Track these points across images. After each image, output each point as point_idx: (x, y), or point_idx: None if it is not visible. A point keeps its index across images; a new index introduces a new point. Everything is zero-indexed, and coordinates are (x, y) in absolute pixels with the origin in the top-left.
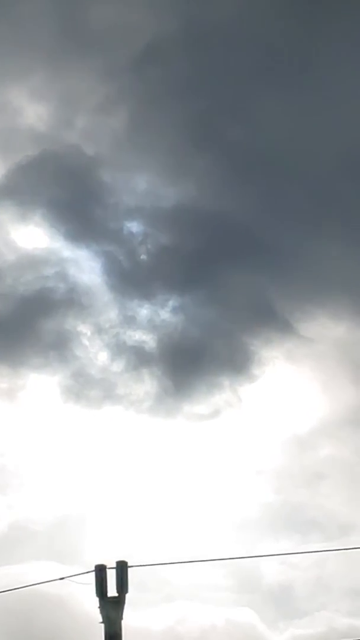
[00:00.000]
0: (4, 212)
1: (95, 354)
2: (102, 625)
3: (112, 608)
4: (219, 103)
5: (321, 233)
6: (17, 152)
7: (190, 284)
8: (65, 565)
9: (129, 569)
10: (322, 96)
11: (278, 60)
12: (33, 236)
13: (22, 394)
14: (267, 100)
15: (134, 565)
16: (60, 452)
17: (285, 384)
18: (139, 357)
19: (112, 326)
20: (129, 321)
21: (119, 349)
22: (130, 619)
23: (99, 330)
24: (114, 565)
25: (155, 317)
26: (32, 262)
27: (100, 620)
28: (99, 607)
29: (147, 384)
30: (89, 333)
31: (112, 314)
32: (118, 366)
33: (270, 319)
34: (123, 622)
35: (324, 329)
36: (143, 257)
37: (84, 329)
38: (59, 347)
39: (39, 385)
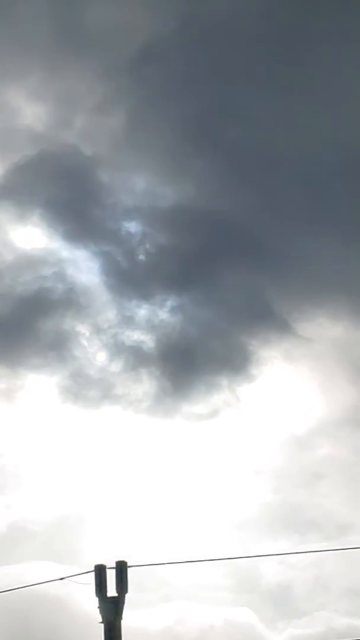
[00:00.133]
0: (2, 212)
1: (94, 354)
2: (102, 625)
3: (111, 608)
4: (216, 103)
5: (319, 233)
6: (15, 152)
7: (188, 284)
8: (64, 565)
9: (128, 569)
10: (320, 96)
11: (276, 60)
12: (31, 236)
13: (21, 394)
14: (265, 100)
15: (134, 565)
16: (59, 452)
17: (284, 384)
18: (137, 357)
19: (111, 326)
20: (128, 321)
21: (118, 349)
22: (128, 619)
23: (97, 330)
24: (114, 565)
25: (154, 317)
26: (30, 262)
27: (100, 620)
28: (99, 607)
29: (145, 384)
30: (87, 333)
31: (110, 314)
32: (116, 366)
33: (268, 319)
34: (122, 622)
35: (322, 329)
36: (141, 257)
37: (83, 329)
38: (58, 348)
39: (38, 385)
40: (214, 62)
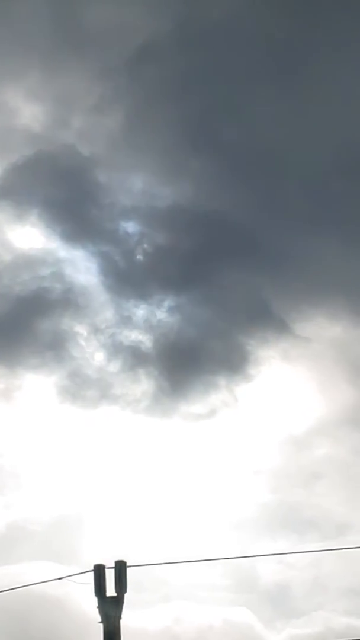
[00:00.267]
0: None
1: (92, 354)
2: (101, 625)
3: (111, 607)
4: (214, 103)
5: (317, 233)
6: (12, 152)
7: (186, 284)
8: (63, 565)
9: (127, 569)
10: (318, 96)
11: (274, 59)
12: (29, 236)
13: (19, 394)
14: (262, 100)
15: (133, 565)
16: (57, 452)
17: (282, 384)
18: (135, 357)
19: (109, 326)
20: (126, 321)
21: (116, 349)
22: (127, 619)
23: (95, 330)
24: (113, 565)
25: (152, 317)
26: (28, 262)
27: (99, 619)
28: (98, 607)
29: (143, 384)
30: (85, 333)
31: (108, 314)
32: (114, 366)
33: (266, 318)
34: (121, 622)
35: (320, 328)
36: (139, 257)
37: (81, 329)
38: (56, 348)
39: (36, 385)
40: (212, 62)
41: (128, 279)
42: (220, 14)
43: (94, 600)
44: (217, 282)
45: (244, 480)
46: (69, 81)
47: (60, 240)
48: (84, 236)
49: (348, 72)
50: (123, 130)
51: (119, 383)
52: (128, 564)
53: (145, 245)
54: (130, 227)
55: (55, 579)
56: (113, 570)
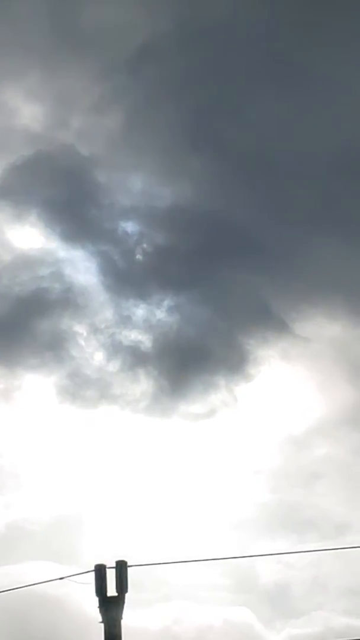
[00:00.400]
0: None
1: (91, 354)
2: (102, 625)
3: (111, 608)
4: (214, 103)
5: (317, 233)
6: (12, 152)
7: (185, 284)
8: (63, 565)
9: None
10: (318, 96)
11: (273, 59)
12: (28, 236)
13: (18, 394)
14: (262, 100)
15: (134, 565)
16: (57, 452)
17: (281, 384)
18: (134, 357)
19: (108, 326)
20: (125, 321)
21: (115, 349)
22: (127, 619)
23: (94, 330)
24: (113, 565)
25: (151, 317)
26: (27, 262)
27: (100, 620)
28: (99, 607)
29: (143, 384)
30: (84, 333)
31: (107, 314)
32: (114, 366)
33: (266, 318)
34: (122, 622)
35: (320, 328)
36: (138, 257)
37: (80, 329)
38: (55, 348)
39: (35, 385)
40: (211, 62)
41: (127, 278)
42: (220, 14)
43: (94, 601)
44: (216, 281)
45: (243, 480)
46: (69, 81)
47: (59, 240)
48: (83, 236)
49: (348, 72)
50: (123, 130)
51: (119, 383)
52: (129, 563)
53: (145, 245)
54: (130, 227)
55: (56, 579)
56: (114, 570)
